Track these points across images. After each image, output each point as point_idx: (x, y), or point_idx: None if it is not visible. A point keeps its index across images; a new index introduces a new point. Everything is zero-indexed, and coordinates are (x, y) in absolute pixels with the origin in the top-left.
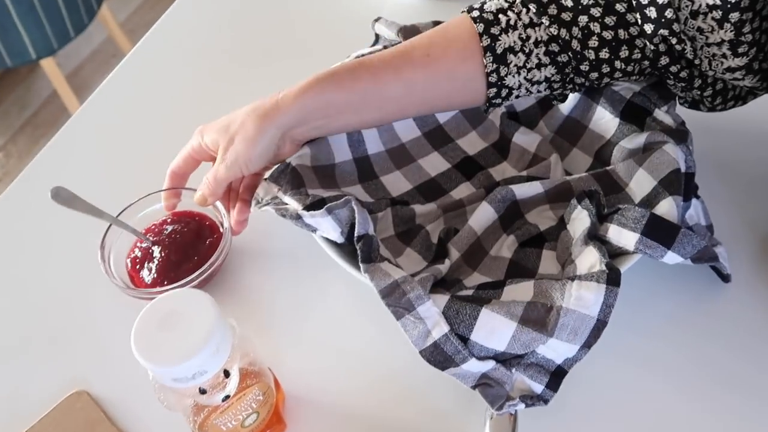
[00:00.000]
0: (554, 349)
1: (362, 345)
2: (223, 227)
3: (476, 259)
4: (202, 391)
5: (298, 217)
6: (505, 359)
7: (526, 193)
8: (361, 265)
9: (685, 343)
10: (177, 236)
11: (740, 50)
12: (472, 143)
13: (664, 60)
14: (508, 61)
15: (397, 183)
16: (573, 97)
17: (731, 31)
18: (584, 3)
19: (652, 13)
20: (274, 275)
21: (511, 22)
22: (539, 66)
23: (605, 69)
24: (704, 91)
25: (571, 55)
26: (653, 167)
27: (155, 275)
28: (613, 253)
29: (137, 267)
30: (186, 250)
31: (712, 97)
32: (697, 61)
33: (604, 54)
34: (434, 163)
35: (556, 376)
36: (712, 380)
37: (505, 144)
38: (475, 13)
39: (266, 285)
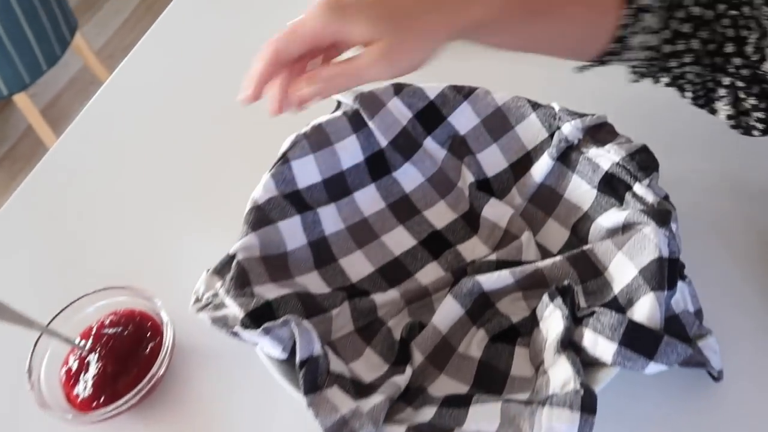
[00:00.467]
0: None
1: None
2: (165, 328)
3: (443, 359)
4: None
5: (234, 333)
6: None
7: (494, 285)
8: (304, 397)
9: None
10: (115, 342)
11: None
12: (440, 215)
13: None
14: (643, 27)
15: (357, 265)
16: (546, 164)
17: None
18: None
19: None
20: (229, 380)
21: None
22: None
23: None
24: (761, 102)
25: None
26: (633, 252)
27: (91, 391)
28: (590, 362)
29: (71, 381)
30: (125, 360)
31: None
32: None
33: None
34: (399, 240)
35: None
36: None
37: (476, 216)
38: None
39: (219, 393)
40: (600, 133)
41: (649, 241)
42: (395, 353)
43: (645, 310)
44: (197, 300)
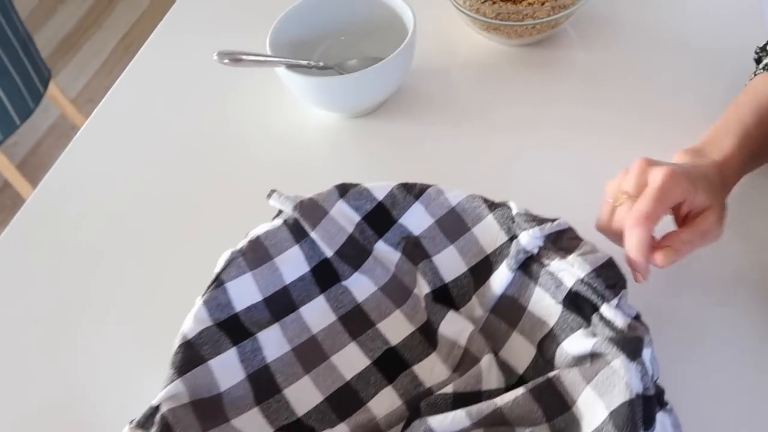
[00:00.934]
0: None
1: None
2: None
3: None
4: None
5: None
6: None
7: (448, 429)
8: None
9: None
10: None
11: None
12: (395, 327)
13: None
14: None
15: (304, 394)
16: (505, 276)
17: None
18: None
19: None
20: None
21: None
22: None
23: None
24: None
25: None
26: (603, 389)
27: None
28: None
29: None
30: None
31: None
32: None
33: None
34: (350, 359)
35: None
36: None
37: (434, 330)
38: None
39: None
40: (562, 239)
41: (620, 378)
42: None
43: None
44: None
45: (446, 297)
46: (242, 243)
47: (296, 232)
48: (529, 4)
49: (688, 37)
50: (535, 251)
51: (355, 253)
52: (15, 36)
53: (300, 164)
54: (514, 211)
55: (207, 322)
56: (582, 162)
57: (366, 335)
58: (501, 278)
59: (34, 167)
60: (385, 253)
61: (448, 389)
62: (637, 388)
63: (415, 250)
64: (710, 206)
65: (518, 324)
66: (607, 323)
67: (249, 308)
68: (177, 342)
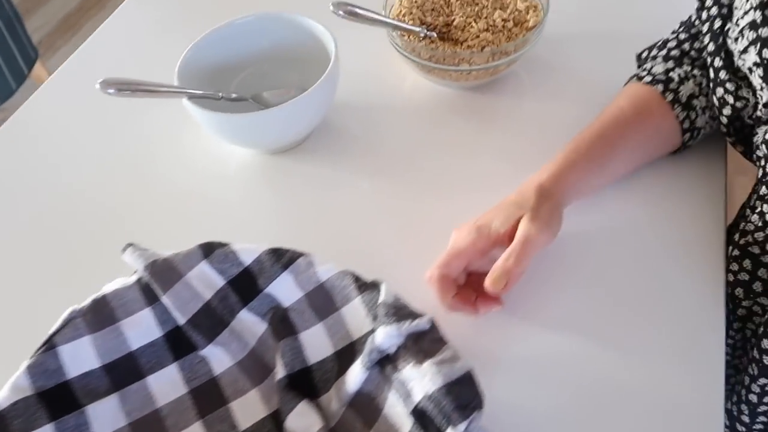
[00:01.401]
0: None
1: None
2: None
3: None
4: None
5: None
6: None
7: None
8: None
9: None
10: None
11: None
12: (248, 409)
13: None
14: (694, 106)
15: None
16: (360, 372)
17: None
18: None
19: None
20: None
21: (682, 75)
22: (722, 105)
23: None
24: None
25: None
26: None
27: None
28: None
29: None
30: None
31: None
32: None
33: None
34: None
35: None
36: None
37: (281, 420)
38: (648, 78)
39: None
40: (423, 340)
41: None
42: None
43: None
44: None
45: (307, 381)
46: (86, 301)
47: (149, 292)
48: (468, 47)
49: None
50: (392, 350)
51: (209, 323)
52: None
53: (207, 202)
54: (381, 298)
55: (27, 391)
56: None
57: (215, 415)
58: (356, 374)
59: None
60: (250, 323)
61: None
62: None
63: (281, 324)
64: (521, 217)
65: (374, 425)
66: None
67: (84, 375)
68: None
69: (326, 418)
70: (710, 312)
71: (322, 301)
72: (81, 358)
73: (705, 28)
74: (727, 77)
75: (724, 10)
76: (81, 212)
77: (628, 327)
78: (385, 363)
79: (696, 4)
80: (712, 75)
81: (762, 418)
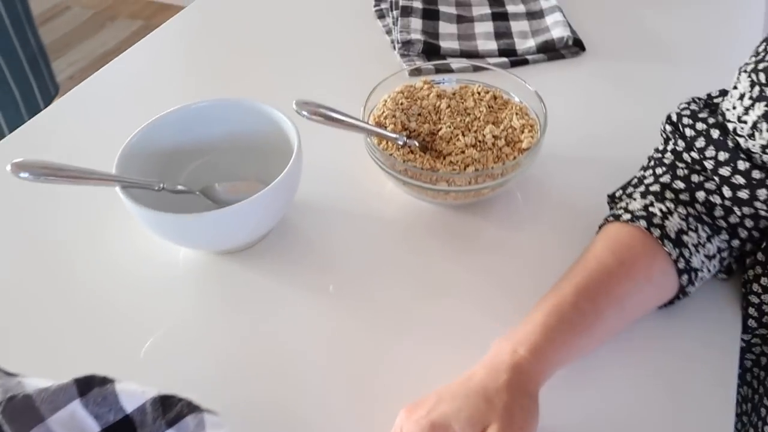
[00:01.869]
0: None
1: None
2: None
3: None
4: None
5: None
6: None
7: None
8: None
9: None
10: None
11: None
12: None
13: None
14: (685, 242)
15: None
16: None
17: None
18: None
19: None
20: None
21: (664, 210)
22: (709, 238)
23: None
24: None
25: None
26: None
27: None
28: None
29: None
30: None
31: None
32: None
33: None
34: None
35: None
36: None
37: None
38: (626, 216)
39: None
40: None
41: None
42: None
43: None
44: None
45: None
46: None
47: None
48: (451, 163)
49: None
50: None
51: None
52: (23, 49)
53: (138, 306)
54: None
55: None
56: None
57: None
58: None
59: None
60: None
61: None
62: None
63: None
64: (489, 424)
65: None
66: None
67: None
68: None
69: None
70: None
71: None
72: None
73: (700, 142)
74: (764, 175)
75: (719, 118)
76: None
77: None
78: None
79: (665, 131)
80: (742, 181)
81: None
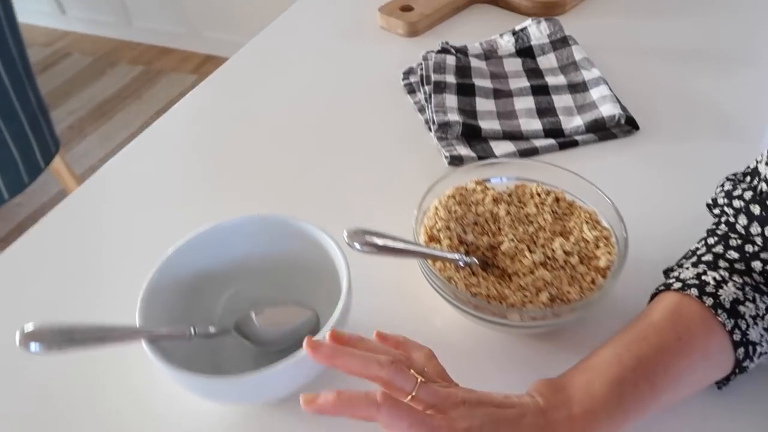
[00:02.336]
0: None
1: None
2: None
3: None
4: None
5: None
6: None
7: None
8: None
9: None
10: None
11: None
12: None
13: None
14: (741, 313)
15: None
16: None
17: None
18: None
19: None
20: None
21: (718, 278)
22: None
23: None
24: None
25: None
26: None
27: None
28: None
29: None
30: None
31: None
32: None
33: None
34: None
35: None
36: None
37: None
38: (677, 285)
39: None
40: None
41: None
42: None
43: None
44: None
45: None
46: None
47: None
48: (520, 287)
49: None
50: None
51: None
52: (24, 109)
53: None
54: None
55: None
56: None
57: None
58: None
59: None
60: None
61: None
62: None
63: None
64: None
65: None
66: None
67: None
68: None
69: None
70: None
71: None
72: None
73: (743, 220)
74: None
75: (760, 186)
76: None
77: None
78: None
79: (720, 201)
80: None
81: None
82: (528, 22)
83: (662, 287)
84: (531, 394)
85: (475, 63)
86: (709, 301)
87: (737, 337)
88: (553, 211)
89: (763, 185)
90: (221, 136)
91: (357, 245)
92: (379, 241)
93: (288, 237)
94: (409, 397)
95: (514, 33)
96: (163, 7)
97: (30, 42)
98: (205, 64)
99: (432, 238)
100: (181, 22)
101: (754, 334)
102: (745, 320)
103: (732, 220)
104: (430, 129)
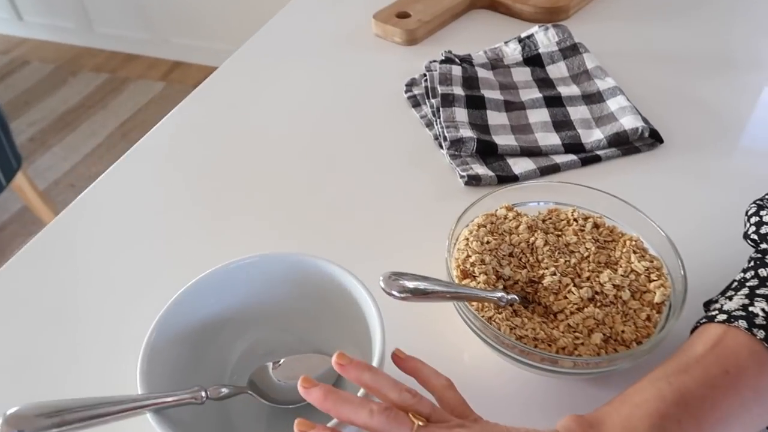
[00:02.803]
0: None
1: None
2: None
3: None
4: None
5: None
6: None
7: None
8: None
9: None
10: None
11: None
12: None
13: None
14: None
15: None
16: None
17: None
18: None
19: None
20: None
21: (767, 310)
22: None
23: None
24: None
25: None
26: None
27: None
28: None
29: None
30: None
31: None
32: None
33: None
34: None
35: None
36: None
37: None
38: (722, 317)
39: None
40: None
41: None
42: None
43: None
44: None
45: None
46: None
47: None
48: (569, 327)
49: None
50: None
51: None
52: None
53: None
54: None
55: None
56: None
57: None
58: None
59: None
60: None
61: None
62: None
63: None
64: None
65: None
66: None
67: None
68: None
69: None
70: None
71: None
72: None
73: None
74: None
75: None
76: None
77: None
78: None
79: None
80: None
81: None
82: (535, 29)
83: (704, 320)
84: (558, 431)
85: (482, 73)
86: (761, 333)
87: None
88: (594, 239)
89: None
90: (211, 157)
91: (395, 293)
92: (419, 285)
93: (303, 278)
94: None
95: (521, 40)
96: (125, 12)
97: None
98: (173, 71)
99: (465, 274)
100: (145, 28)
101: None
102: None
103: None
104: (440, 146)
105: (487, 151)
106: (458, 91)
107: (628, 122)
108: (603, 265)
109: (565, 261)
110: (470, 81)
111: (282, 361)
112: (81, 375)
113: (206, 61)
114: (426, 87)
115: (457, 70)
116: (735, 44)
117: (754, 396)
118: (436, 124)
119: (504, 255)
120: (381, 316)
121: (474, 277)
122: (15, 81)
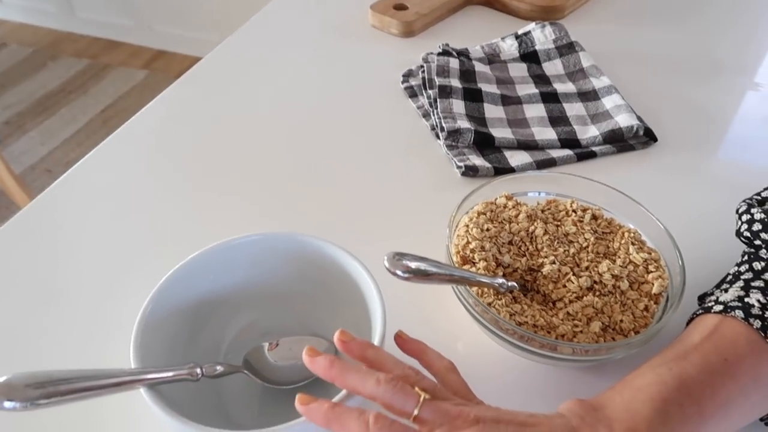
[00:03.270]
0: None
1: None
2: None
3: None
4: None
5: None
6: None
7: None
8: None
9: None
10: None
11: None
12: None
13: None
14: None
15: None
16: None
17: None
18: None
19: None
20: None
21: (763, 302)
22: None
23: None
24: None
25: None
26: None
27: None
28: None
29: None
30: None
31: None
32: None
33: None
34: None
35: None
36: None
37: None
38: (718, 308)
39: None
40: None
41: None
42: None
43: None
44: None
45: None
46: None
47: None
48: (568, 315)
49: None
50: None
51: None
52: None
53: None
54: None
55: None
56: None
57: None
58: None
59: None
60: None
61: None
62: None
63: None
64: None
65: None
66: None
67: None
68: None
69: None
70: None
71: None
72: None
73: None
74: None
75: None
76: None
77: None
78: None
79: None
80: None
81: None
82: (532, 26)
83: (700, 311)
84: (562, 414)
85: (479, 67)
86: (757, 323)
87: None
88: (593, 230)
89: None
90: (201, 142)
91: (399, 272)
92: (421, 265)
93: (304, 258)
94: (412, 417)
95: (517, 36)
96: None
97: None
98: (156, 60)
99: (465, 260)
100: (128, 14)
101: None
102: None
103: None
104: (437, 136)
105: (484, 143)
106: (455, 83)
107: (623, 120)
108: (602, 255)
109: (564, 250)
110: (467, 74)
111: (279, 341)
112: (54, 361)
113: (191, 51)
114: (423, 78)
115: (454, 63)
116: (725, 48)
117: (753, 383)
118: (433, 115)
119: (504, 243)
120: (382, 298)
121: (474, 263)
122: None
